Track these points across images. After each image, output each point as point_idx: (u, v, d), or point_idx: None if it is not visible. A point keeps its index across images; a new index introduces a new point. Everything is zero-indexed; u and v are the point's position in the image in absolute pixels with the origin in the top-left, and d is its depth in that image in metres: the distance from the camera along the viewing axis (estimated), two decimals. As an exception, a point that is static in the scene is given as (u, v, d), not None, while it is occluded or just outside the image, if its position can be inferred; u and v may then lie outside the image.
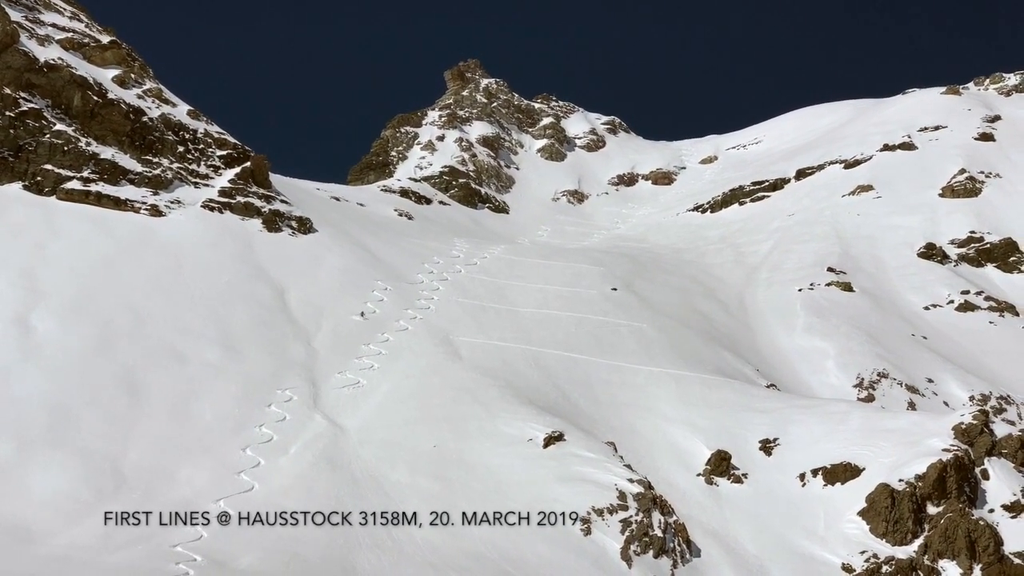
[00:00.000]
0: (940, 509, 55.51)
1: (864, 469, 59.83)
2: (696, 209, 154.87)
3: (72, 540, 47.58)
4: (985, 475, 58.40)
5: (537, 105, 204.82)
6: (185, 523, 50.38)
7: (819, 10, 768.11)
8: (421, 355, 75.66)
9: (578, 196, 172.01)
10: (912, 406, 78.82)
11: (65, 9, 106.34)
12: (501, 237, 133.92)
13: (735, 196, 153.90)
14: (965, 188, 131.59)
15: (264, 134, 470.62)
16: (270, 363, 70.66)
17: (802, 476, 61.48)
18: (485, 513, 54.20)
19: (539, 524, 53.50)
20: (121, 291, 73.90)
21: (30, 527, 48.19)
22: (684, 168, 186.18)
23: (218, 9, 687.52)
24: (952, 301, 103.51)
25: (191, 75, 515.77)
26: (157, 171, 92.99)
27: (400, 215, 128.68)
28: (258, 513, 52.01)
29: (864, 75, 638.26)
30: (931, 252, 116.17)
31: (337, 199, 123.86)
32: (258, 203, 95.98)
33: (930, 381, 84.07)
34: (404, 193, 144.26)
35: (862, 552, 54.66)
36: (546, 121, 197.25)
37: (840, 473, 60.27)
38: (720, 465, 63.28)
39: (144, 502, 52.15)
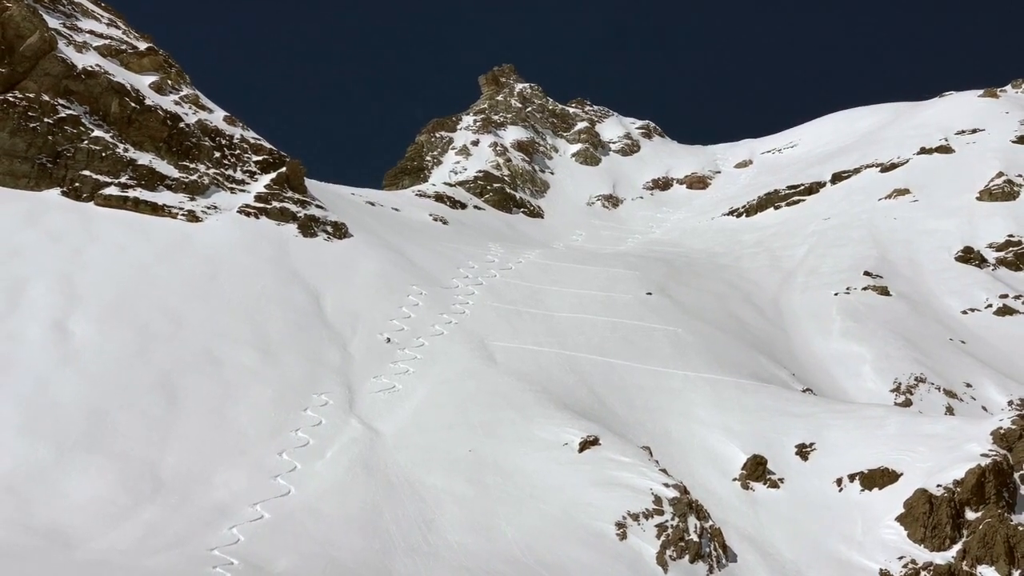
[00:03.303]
0: (979, 514, 55.05)
1: (902, 474, 59.39)
2: (731, 213, 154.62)
3: (110, 544, 47.80)
4: (1024, 480, 58.03)
5: (571, 110, 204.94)
6: (221, 527, 50.70)
7: (855, 13, 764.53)
8: (456, 360, 75.73)
9: (613, 200, 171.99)
10: (950, 411, 78.27)
11: (103, 16, 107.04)
12: (536, 242, 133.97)
13: (771, 200, 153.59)
14: (1003, 191, 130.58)
15: (300, 139, 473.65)
16: (306, 367, 70.88)
17: (839, 481, 61.11)
18: (520, 517, 54.29)
19: (574, 528, 53.50)
20: (158, 296, 74.38)
21: (68, 531, 48.46)
22: (719, 172, 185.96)
23: (255, 14, 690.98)
24: (990, 305, 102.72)
25: (227, 81, 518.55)
26: (194, 177, 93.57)
27: (435, 220, 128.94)
28: (294, 517, 52.29)
29: (901, 78, 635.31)
30: (969, 256, 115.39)
31: (372, 204, 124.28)
32: (294, 208, 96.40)
33: (968, 386, 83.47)
34: (439, 198, 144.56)
35: (900, 558, 54.27)
36: (581, 125, 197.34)
37: (877, 478, 59.87)
38: (756, 470, 63.01)
39: (181, 506, 52.49)
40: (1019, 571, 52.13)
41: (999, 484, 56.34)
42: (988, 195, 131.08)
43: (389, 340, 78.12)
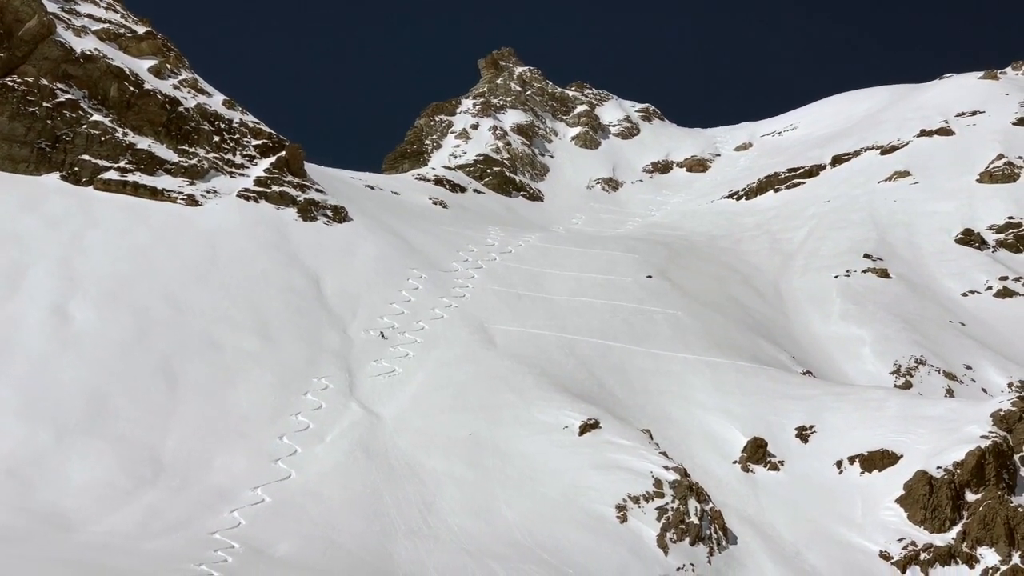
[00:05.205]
0: (979, 496, 55.16)
1: (902, 456, 59.49)
2: (731, 196, 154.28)
3: (110, 527, 47.94)
4: (1024, 462, 58.08)
5: (571, 93, 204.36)
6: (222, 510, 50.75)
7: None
8: (456, 343, 75.76)
9: (612, 184, 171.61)
10: (950, 393, 78.31)
11: (101, 0, 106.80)
12: (535, 225, 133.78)
13: (770, 183, 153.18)
14: (1003, 173, 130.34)
15: (299, 123, 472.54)
16: (306, 351, 70.93)
17: (839, 463, 61.21)
18: (520, 500, 54.36)
19: (574, 511, 53.58)
20: (158, 280, 74.38)
21: (68, 515, 48.59)
22: (719, 155, 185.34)
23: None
24: (990, 287, 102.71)
25: (226, 64, 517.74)
26: (193, 161, 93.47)
27: (435, 203, 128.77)
28: (295, 500, 52.36)
29: (901, 60, 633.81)
30: (969, 238, 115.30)
31: (372, 188, 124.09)
32: (293, 192, 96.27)
33: (968, 368, 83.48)
34: (438, 181, 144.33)
35: (900, 539, 54.41)
36: (580, 109, 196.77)
37: (877, 460, 59.97)
38: (756, 452, 63.08)
39: (181, 490, 52.55)
40: (1019, 552, 52.22)
41: (999, 466, 56.44)
42: (988, 177, 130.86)
43: (383, 334, 77.42)
